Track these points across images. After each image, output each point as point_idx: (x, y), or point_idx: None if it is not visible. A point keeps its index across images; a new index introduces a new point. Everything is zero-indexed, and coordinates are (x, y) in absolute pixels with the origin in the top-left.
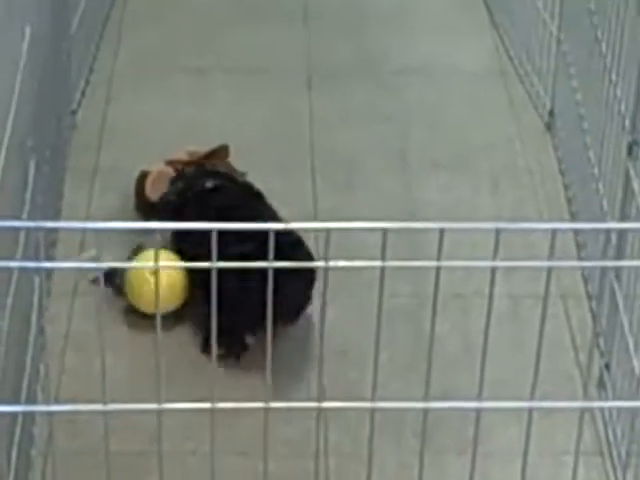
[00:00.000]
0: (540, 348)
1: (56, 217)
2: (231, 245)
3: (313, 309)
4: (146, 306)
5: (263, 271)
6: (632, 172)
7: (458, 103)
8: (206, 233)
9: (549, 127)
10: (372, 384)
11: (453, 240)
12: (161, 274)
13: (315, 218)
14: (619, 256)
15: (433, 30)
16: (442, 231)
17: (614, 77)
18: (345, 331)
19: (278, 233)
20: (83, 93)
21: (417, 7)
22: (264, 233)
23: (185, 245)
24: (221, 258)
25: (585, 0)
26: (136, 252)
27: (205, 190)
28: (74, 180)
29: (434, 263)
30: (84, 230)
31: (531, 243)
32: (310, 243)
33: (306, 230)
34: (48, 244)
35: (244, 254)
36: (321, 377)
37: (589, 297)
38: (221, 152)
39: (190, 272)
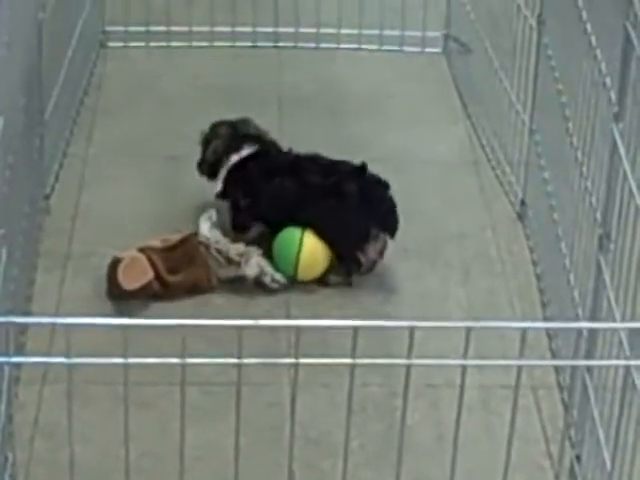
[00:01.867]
0: (511, 439)
1: (27, 303)
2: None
3: (285, 395)
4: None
5: (357, 193)
6: (603, 265)
7: (431, 192)
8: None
9: (521, 217)
10: (343, 474)
11: (424, 330)
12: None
13: (287, 307)
14: (590, 350)
15: (407, 119)
16: (412, 329)
17: (585, 170)
18: (316, 421)
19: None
20: (57, 177)
21: (391, 96)
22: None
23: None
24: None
25: (557, 92)
26: None
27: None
28: (46, 265)
29: (404, 361)
30: (54, 325)
31: (503, 335)
32: (281, 336)
33: (278, 327)
34: (18, 333)
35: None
36: (291, 464)
37: (560, 388)
38: (193, 239)
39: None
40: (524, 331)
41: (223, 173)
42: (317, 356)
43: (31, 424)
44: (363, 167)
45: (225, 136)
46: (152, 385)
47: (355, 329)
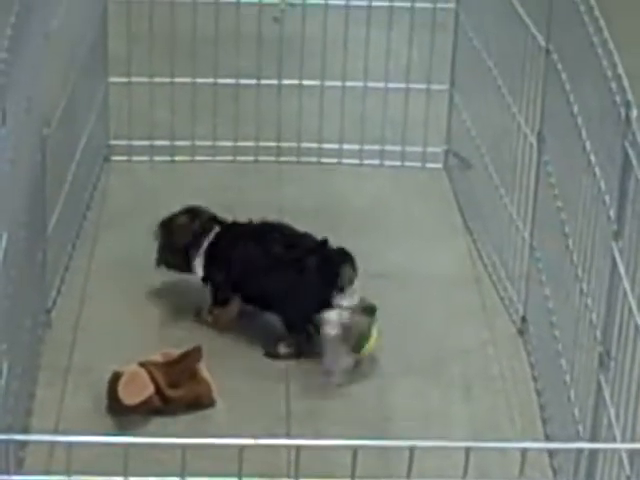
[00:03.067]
0: None
1: (27, 417)
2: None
3: None
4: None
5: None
6: (603, 382)
7: (432, 308)
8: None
9: (522, 333)
10: None
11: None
12: None
13: (288, 422)
14: (591, 469)
15: (408, 234)
16: (412, 449)
17: (585, 287)
18: None
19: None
20: (58, 291)
21: (392, 211)
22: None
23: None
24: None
25: (557, 209)
26: None
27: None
28: (47, 379)
29: None
30: (53, 443)
31: (504, 451)
32: (282, 452)
33: (277, 446)
34: (18, 448)
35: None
36: None
37: None
38: (194, 354)
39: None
40: (524, 450)
41: (200, 259)
42: (317, 473)
43: None
44: (325, 242)
45: (187, 225)
46: None
47: (355, 449)
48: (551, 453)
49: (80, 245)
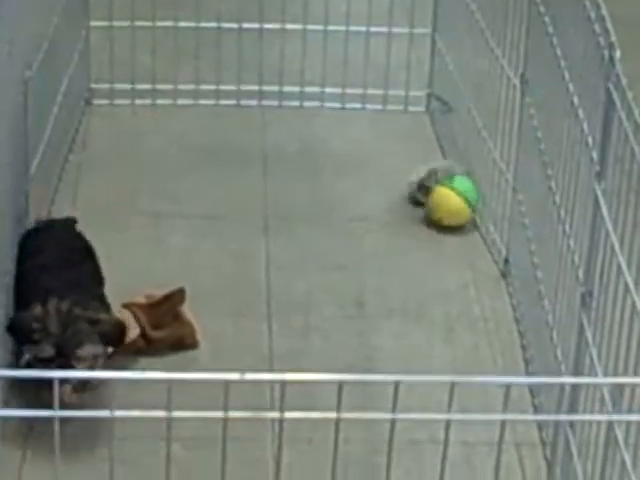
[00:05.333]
0: None
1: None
2: None
3: (268, 451)
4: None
5: None
6: (585, 322)
7: (414, 250)
8: None
9: (504, 275)
10: None
11: (408, 386)
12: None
13: (271, 363)
14: (573, 406)
15: (390, 178)
16: (397, 384)
17: (567, 228)
18: (299, 477)
19: None
20: None
21: (376, 155)
22: None
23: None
24: None
25: (540, 151)
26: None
27: None
28: None
29: (389, 416)
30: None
31: (485, 389)
32: (266, 391)
33: (263, 382)
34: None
35: None
36: None
37: (543, 445)
38: (177, 296)
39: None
40: (508, 386)
41: None
42: (302, 409)
43: None
44: None
45: None
46: (135, 440)
47: (340, 383)
48: (533, 392)
49: (62, 188)
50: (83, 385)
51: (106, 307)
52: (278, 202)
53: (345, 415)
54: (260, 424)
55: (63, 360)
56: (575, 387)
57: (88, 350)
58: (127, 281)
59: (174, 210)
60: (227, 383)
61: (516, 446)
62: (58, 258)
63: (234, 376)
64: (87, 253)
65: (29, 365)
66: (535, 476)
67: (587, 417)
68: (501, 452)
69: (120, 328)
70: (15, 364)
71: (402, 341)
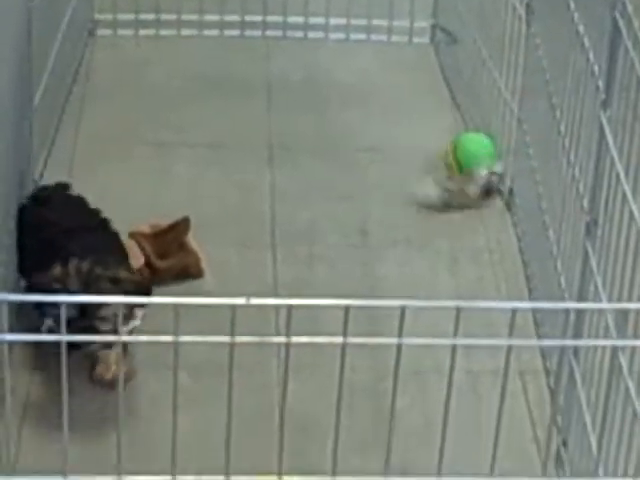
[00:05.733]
0: (499, 425)
1: (18, 290)
2: None
3: (273, 378)
4: None
5: None
6: (590, 251)
7: (418, 182)
8: None
9: (508, 206)
10: (332, 459)
11: (413, 315)
12: None
13: (275, 292)
14: (577, 334)
15: (394, 109)
16: (404, 309)
17: (572, 158)
18: (305, 406)
19: None
20: (45, 164)
21: (379, 86)
22: None
23: None
24: None
25: (545, 81)
26: None
27: None
28: None
29: (395, 340)
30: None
31: (490, 320)
32: (271, 317)
33: (268, 306)
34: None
35: None
36: (282, 450)
37: (547, 373)
38: (182, 225)
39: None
40: (513, 312)
41: None
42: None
43: (21, 406)
44: None
45: None
46: (142, 369)
47: (346, 308)
48: (537, 322)
49: (66, 119)
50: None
51: (128, 266)
52: (282, 132)
53: (351, 340)
54: (265, 352)
55: (86, 321)
56: (579, 314)
57: (111, 310)
58: (132, 211)
59: (178, 140)
60: (233, 308)
61: (520, 374)
62: (74, 223)
63: (240, 301)
64: (103, 221)
65: (51, 330)
66: (539, 404)
67: (592, 342)
68: (507, 379)
69: (144, 287)
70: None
71: (406, 271)
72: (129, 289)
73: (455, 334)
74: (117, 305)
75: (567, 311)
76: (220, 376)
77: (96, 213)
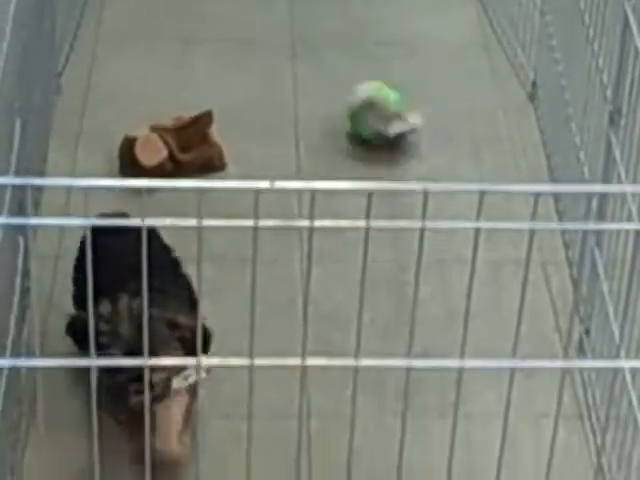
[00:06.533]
0: (522, 311)
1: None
2: None
3: (296, 270)
4: None
5: None
6: (613, 141)
7: (441, 73)
8: None
9: (532, 98)
10: (356, 343)
11: (434, 208)
12: None
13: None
14: (601, 220)
15: (417, 1)
16: (426, 193)
17: (596, 48)
18: (328, 295)
19: None
20: (67, 59)
21: None
22: None
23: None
24: None
25: None
26: None
27: None
28: (58, 143)
29: (418, 224)
30: (70, 188)
31: (511, 211)
32: (294, 207)
33: (291, 190)
34: (33, 205)
35: None
36: (305, 337)
37: (570, 264)
38: (205, 118)
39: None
40: (536, 196)
41: None
42: (330, 228)
43: (46, 299)
44: None
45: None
46: None
47: (370, 193)
48: (560, 213)
49: (88, 11)
50: (162, 394)
51: (189, 312)
52: (306, 26)
53: (374, 224)
54: (288, 244)
55: (136, 369)
56: (602, 202)
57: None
58: (154, 105)
59: (202, 34)
60: (257, 192)
61: (542, 266)
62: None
63: (264, 184)
64: (174, 261)
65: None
66: (561, 294)
67: (614, 226)
68: (529, 266)
69: (205, 334)
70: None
71: (428, 162)
72: (188, 336)
73: (478, 218)
74: (174, 354)
75: (590, 199)
76: (243, 267)
77: (168, 251)
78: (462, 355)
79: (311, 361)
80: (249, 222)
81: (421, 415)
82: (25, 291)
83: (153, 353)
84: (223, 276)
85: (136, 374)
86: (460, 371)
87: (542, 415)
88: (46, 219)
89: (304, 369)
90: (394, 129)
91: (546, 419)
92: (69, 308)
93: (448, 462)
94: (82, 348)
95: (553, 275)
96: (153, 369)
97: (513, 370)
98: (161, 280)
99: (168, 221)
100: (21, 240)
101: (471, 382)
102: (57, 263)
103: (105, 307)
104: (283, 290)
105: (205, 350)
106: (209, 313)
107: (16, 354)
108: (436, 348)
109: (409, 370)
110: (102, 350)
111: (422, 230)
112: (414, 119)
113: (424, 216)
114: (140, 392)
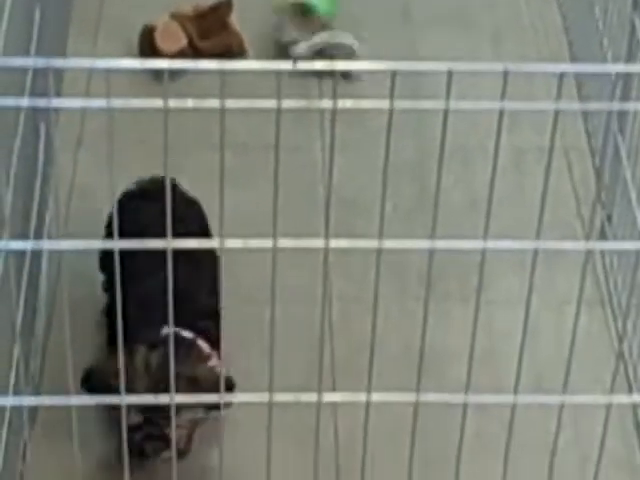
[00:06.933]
0: (545, 197)
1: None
2: None
3: (318, 158)
4: None
5: None
6: (637, 24)
7: None
8: None
9: None
10: (379, 225)
11: (457, 95)
12: None
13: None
14: (624, 99)
15: None
16: (450, 73)
17: None
18: (350, 182)
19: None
20: None
21: None
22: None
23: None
24: None
25: None
26: None
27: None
28: (77, 32)
29: (442, 105)
30: (91, 75)
31: (533, 96)
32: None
33: (314, 71)
34: (56, 81)
35: None
36: (328, 218)
37: (592, 152)
38: (225, 6)
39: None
40: (561, 76)
41: None
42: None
43: (67, 185)
44: None
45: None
46: (186, 149)
47: (393, 73)
48: (582, 96)
49: None
50: (184, 450)
51: (214, 323)
52: None
53: (398, 104)
54: (309, 133)
55: (153, 428)
56: (626, 85)
57: (185, 417)
58: None
59: None
60: (278, 74)
61: (565, 153)
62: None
63: (286, 66)
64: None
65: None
66: (583, 181)
67: None
68: (553, 148)
69: (226, 386)
70: None
71: (449, 50)
72: (209, 389)
73: (502, 98)
74: (193, 411)
75: (614, 84)
76: (265, 155)
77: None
78: (485, 236)
79: (334, 243)
80: (272, 103)
81: (443, 300)
82: (47, 177)
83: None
84: (245, 163)
85: (153, 433)
86: (483, 252)
87: (564, 302)
88: (68, 100)
89: (327, 251)
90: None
91: (568, 305)
92: (91, 195)
93: (470, 347)
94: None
95: (575, 162)
96: (176, 425)
97: (536, 252)
98: (187, 277)
99: (190, 102)
100: (42, 126)
101: (493, 269)
102: (78, 150)
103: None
104: (305, 177)
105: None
106: (229, 201)
107: (38, 237)
108: (458, 234)
109: (432, 252)
110: (119, 409)
111: (446, 111)
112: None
113: (448, 97)
114: (156, 451)
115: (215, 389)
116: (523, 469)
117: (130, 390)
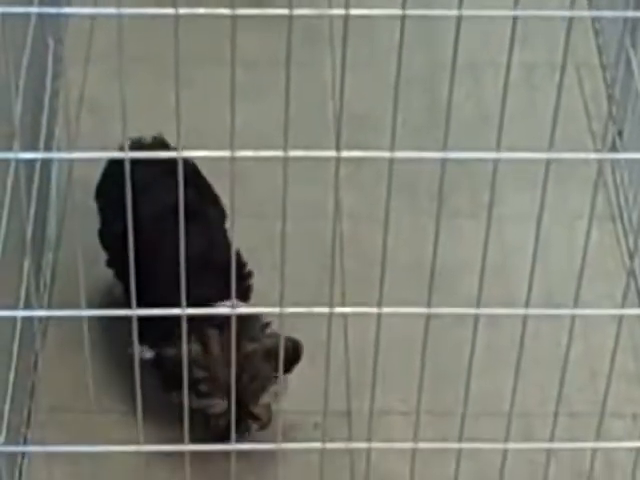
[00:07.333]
0: (558, 110)
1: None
2: None
3: (328, 76)
4: None
5: None
6: None
7: None
8: None
9: None
10: (391, 136)
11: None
12: None
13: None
14: (636, 25)
15: None
16: (459, 18)
17: None
18: (360, 98)
19: None
20: None
21: None
22: None
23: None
24: None
25: None
26: None
27: None
28: None
29: (455, 12)
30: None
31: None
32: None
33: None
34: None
35: None
36: (340, 131)
37: (603, 68)
38: None
39: None
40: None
41: None
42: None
43: (76, 100)
44: None
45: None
46: (196, 64)
47: (403, 16)
48: (597, 30)
49: None
50: (267, 422)
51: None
52: None
53: (410, 12)
54: (319, 51)
55: (240, 412)
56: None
57: (270, 393)
58: None
59: None
60: None
61: (576, 69)
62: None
63: None
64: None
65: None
66: (595, 97)
67: None
68: (566, 61)
69: (297, 348)
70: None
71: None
72: (286, 358)
73: (515, 6)
74: (276, 385)
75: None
76: (275, 71)
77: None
78: (498, 147)
79: (346, 153)
80: (284, 11)
81: (454, 216)
82: (56, 91)
83: (258, 393)
84: (253, 79)
85: (240, 415)
86: (495, 163)
87: (575, 217)
88: (78, 9)
89: (338, 161)
90: None
91: (579, 220)
92: (99, 109)
93: (481, 260)
94: (167, 386)
95: (586, 78)
96: (261, 407)
97: (548, 163)
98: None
99: (201, 10)
100: (51, 41)
101: (504, 185)
102: (87, 65)
103: (195, 349)
104: (315, 93)
105: (297, 360)
106: (240, 116)
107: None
108: (470, 149)
109: (444, 162)
110: (203, 399)
111: (459, 18)
112: None
113: (461, 4)
114: (246, 429)
115: (286, 355)
116: (534, 383)
117: (214, 380)
